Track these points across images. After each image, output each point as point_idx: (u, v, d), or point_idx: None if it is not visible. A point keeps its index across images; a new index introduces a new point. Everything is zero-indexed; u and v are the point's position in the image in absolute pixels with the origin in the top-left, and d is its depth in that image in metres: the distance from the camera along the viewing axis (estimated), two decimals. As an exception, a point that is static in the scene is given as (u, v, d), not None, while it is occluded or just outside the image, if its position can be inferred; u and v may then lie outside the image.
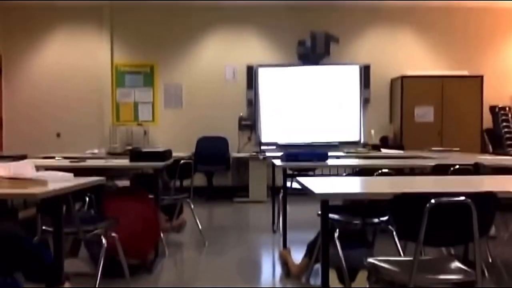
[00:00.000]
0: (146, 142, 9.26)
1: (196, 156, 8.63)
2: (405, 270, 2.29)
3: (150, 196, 4.78)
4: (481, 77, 9.39)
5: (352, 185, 3.17)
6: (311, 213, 3.78)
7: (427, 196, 2.19)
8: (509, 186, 2.85)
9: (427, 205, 2.17)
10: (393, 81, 9.85)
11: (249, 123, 9.78)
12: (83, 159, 4.97)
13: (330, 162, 5.02)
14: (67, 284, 3.37)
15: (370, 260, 2.52)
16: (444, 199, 2.19)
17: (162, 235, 5.00)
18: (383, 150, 7.17)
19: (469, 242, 2.30)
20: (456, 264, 2.51)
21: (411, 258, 2.25)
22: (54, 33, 9.86)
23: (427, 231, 2.19)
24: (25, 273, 3.02)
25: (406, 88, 9.36)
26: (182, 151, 7.19)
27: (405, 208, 2.29)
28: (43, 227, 3.55)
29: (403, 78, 9.39)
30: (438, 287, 2.39)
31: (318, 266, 4.16)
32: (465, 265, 2.46)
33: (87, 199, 4.45)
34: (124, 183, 5.44)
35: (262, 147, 9.03)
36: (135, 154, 4.96)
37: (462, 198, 2.17)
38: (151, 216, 4.63)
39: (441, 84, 9.37)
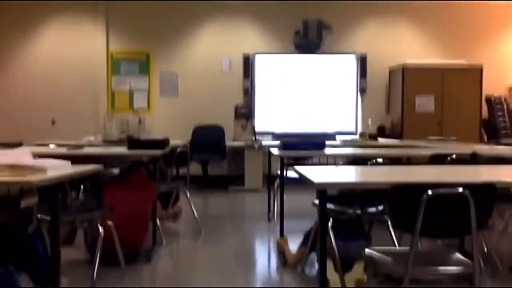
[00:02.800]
0: (141, 130, 9.22)
1: (191, 145, 8.59)
2: (402, 262, 2.28)
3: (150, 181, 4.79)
4: (481, 67, 9.34)
5: (350, 175, 3.16)
6: (306, 202, 3.78)
7: (425, 187, 2.17)
8: (507, 176, 2.85)
9: (424, 196, 2.15)
10: (391, 70, 9.81)
11: (245, 112, 9.75)
12: (80, 146, 4.95)
13: (327, 151, 5.02)
14: (63, 281, 3.36)
15: (367, 250, 2.51)
16: (442, 190, 2.17)
17: (158, 223, 5.00)
18: (380, 140, 7.16)
19: (466, 235, 2.26)
20: (456, 255, 2.50)
21: (407, 248, 2.24)
22: (49, 21, 9.77)
23: (424, 223, 2.17)
24: (16, 265, 3.00)
25: (407, 78, 9.26)
26: (178, 140, 7.16)
27: (402, 198, 2.27)
28: (38, 216, 3.54)
29: (404, 67, 9.31)
30: (436, 279, 2.37)
31: (313, 255, 4.18)
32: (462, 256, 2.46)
33: (82, 186, 4.45)
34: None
35: (258, 136, 9.02)
36: (133, 142, 4.94)
37: (460, 189, 2.15)
38: (146, 206, 4.61)
39: (441, 74, 9.30)
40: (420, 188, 2.19)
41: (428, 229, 2.22)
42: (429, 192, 2.15)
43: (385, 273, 2.34)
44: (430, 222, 2.19)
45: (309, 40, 9.44)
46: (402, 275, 2.21)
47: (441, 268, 2.37)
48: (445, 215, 2.24)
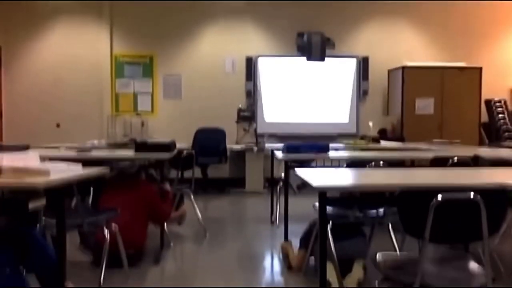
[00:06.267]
0: (144, 132, 9.22)
1: (193, 147, 8.59)
2: (413, 267, 2.26)
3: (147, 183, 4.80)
4: (480, 69, 9.32)
5: (351, 177, 3.14)
6: (309, 205, 3.79)
7: (434, 191, 2.12)
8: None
9: (434, 200, 2.10)
10: (390, 72, 9.79)
11: (248, 115, 9.75)
12: (89, 149, 4.95)
13: (331, 154, 5.02)
14: (70, 284, 3.37)
15: (379, 255, 2.49)
16: (452, 194, 2.11)
17: (165, 225, 5.01)
18: (383, 142, 7.15)
19: (477, 240, 2.20)
20: (467, 260, 2.47)
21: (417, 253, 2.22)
22: (54, 24, 9.78)
23: (433, 227, 2.12)
24: (27, 267, 3.01)
25: (407, 79, 9.21)
26: (181, 142, 7.17)
27: (411, 202, 2.23)
28: (44, 218, 3.54)
29: (404, 68, 9.24)
30: (447, 284, 2.34)
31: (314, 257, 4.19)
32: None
33: (92, 189, 4.45)
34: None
35: (260, 139, 9.02)
36: (141, 145, 4.93)
37: (471, 194, 2.11)
38: (143, 206, 4.59)
39: (441, 76, 9.28)
40: (428, 192, 2.14)
41: (437, 234, 2.18)
42: (439, 197, 2.11)
43: (396, 279, 2.32)
44: (439, 227, 2.15)
45: (312, 58, 9.43)
46: (412, 281, 2.20)
47: (452, 273, 2.35)
48: (455, 220, 2.20)
